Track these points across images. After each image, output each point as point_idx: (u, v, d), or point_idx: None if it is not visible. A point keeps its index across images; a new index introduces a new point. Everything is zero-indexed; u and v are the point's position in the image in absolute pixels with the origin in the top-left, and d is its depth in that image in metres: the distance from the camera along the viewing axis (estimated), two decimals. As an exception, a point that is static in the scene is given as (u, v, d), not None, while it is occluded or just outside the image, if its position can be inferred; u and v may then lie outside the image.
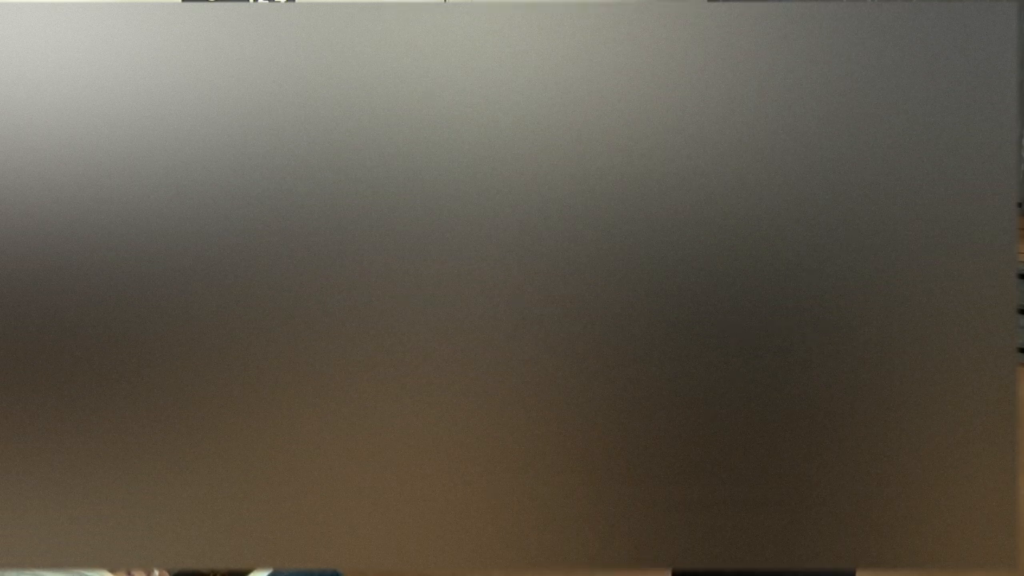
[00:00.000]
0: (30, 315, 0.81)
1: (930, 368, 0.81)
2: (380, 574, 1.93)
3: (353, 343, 0.81)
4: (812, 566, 0.83)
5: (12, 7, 0.80)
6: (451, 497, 0.83)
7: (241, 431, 0.82)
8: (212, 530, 0.83)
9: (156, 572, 1.27)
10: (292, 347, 0.81)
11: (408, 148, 0.80)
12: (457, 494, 0.82)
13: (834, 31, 0.80)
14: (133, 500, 0.82)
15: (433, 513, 0.83)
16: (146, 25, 0.80)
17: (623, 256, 0.80)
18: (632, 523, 0.82)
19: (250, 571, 1.28)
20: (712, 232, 0.80)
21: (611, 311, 0.81)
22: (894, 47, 0.80)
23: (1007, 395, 0.82)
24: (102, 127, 0.80)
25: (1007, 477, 0.82)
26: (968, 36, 0.80)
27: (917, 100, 0.80)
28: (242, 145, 0.80)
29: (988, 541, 0.83)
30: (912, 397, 0.81)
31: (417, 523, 0.83)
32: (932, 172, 0.80)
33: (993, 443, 0.82)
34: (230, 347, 0.81)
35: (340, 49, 0.80)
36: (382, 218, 0.81)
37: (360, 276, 0.81)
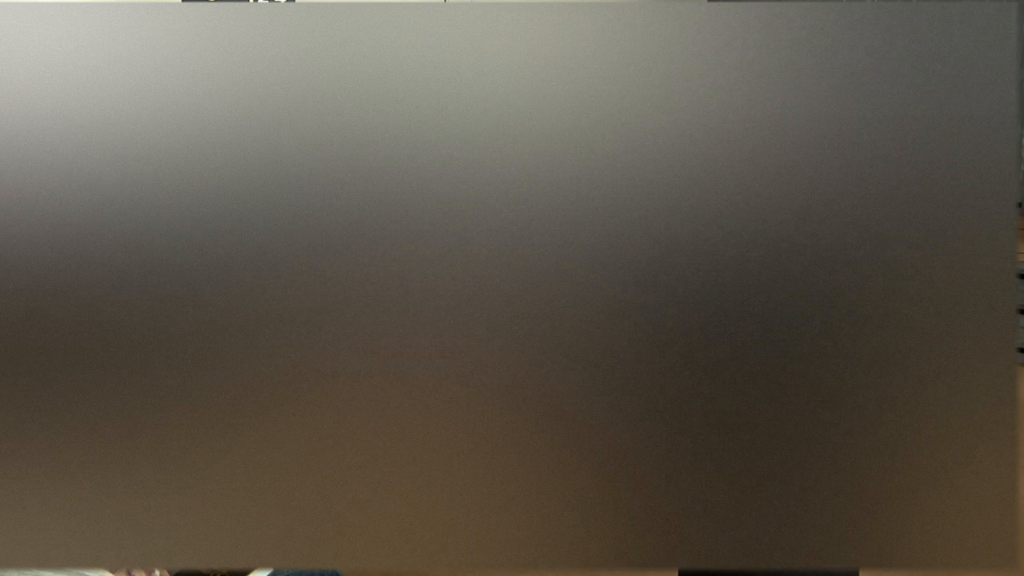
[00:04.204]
0: (31, 315, 0.81)
1: (930, 368, 0.81)
2: (380, 574, 1.93)
3: (353, 344, 0.81)
4: (813, 566, 0.83)
5: (12, 7, 0.80)
6: (451, 497, 0.83)
7: (241, 431, 0.82)
8: (212, 530, 0.83)
9: (156, 572, 1.27)
10: (292, 348, 0.81)
11: (408, 148, 0.80)
12: (457, 494, 0.83)
13: (834, 31, 0.80)
14: (133, 500, 0.82)
15: (432, 513, 0.83)
16: (146, 25, 0.80)
17: (624, 256, 0.80)
18: (636, 523, 0.82)
19: (250, 571, 1.28)
20: (712, 231, 0.80)
21: (613, 312, 0.81)
22: (894, 47, 0.80)
23: (1007, 395, 0.82)
24: (102, 127, 0.80)
25: (1007, 477, 0.82)
26: (968, 36, 0.80)
27: (917, 100, 0.80)
28: (242, 145, 0.80)
29: (988, 541, 0.83)
30: (912, 397, 0.81)
31: (417, 523, 0.83)
32: (932, 172, 0.80)
33: (993, 443, 0.82)
34: (230, 347, 0.81)
35: (340, 49, 0.80)
36: (383, 217, 0.81)
37: (361, 276, 0.81)
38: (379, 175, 0.80)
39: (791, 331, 0.81)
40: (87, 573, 1.19)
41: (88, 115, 0.80)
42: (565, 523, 0.82)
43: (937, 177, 0.80)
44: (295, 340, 0.81)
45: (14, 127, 0.80)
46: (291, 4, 0.85)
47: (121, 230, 0.81)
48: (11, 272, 0.80)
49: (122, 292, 0.81)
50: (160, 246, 0.81)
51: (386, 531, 0.83)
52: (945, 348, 0.81)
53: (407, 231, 0.81)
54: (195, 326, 0.81)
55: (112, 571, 1.13)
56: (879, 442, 0.82)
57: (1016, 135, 0.81)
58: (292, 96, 0.80)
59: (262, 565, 0.83)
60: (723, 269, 0.80)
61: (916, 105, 0.80)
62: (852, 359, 0.81)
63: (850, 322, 0.81)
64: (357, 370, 0.81)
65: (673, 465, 0.82)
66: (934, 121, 0.80)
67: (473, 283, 0.81)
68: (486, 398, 0.81)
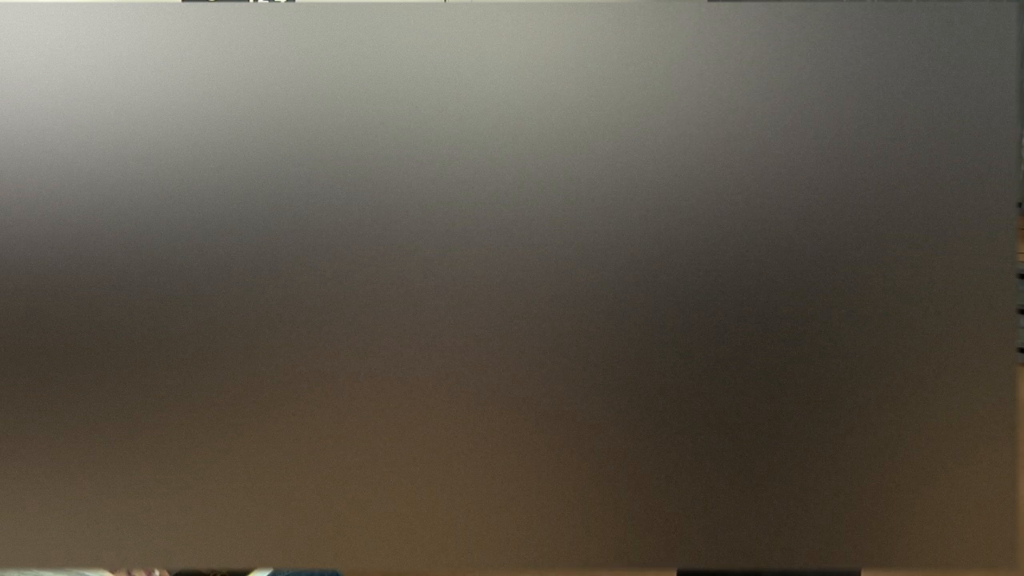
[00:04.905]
0: (32, 315, 0.81)
1: (930, 368, 0.81)
2: (380, 574, 1.93)
3: (353, 344, 0.81)
4: (814, 566, 0.83)
5: (12, 7, 0.80)
6: (451, 497, 0.83)
7: (241, 431, 0.82)
8: (212, 530, 0.83)
9: (156, 572, 1.27)
10: (292, 348, 0.81)
11: (408, 148, 0.80)
12: (457, 494, 0.83)
13: (834, 31, 0.80)
14: (133, 500, 0.82)
15: (432, 513, 0.83)
16: (146, 25, 0.80)
17: (623, 256, 0.80)
18: (635, 523, 0.82)
19: (250, 571, 1.28)
20: (711, 232, 0.80)
21: (612, 312, 0.81)
22: (894, 47, 0.80)
23: (1007, 395, 0.82)
24: (102, 127, 0.80)
25: (1007, 477, 0.82)
26: (968, 36, 0.80)
27: (917, 100, 0.80)
28: (242, 145, 0.80)
29: (988, 541, 0.83)
30: (912, 397, 0.81)
31: (417, 523, 0.83)
32: (932, 172, 0.80)
33: (993, 443, 0.82)
34: (230, 347, 0.81)
35: (340, 49, 0.80)
36: (383, 217, 0.81)
37: (360, 276, 0.81)
38: (379, 175, 0.80)
39: (791, 331, 0.81)
40: (87, 573, 1.19)
41: (88, 115, 0.80)
42: (565, 523, 0.82)
43: (937, 177, 0.80)
44: (295, 340, 0.81)
45: (14, 127, 0.80)
46: (291, 4, 0.85)
47: (121, 230, 0.81)
48: (11, 272, 0.81)
49: (122, 292, 0.81)
50: (160, 246, 0.81)
51: (386, 531, 0.83)
52: (945, 348, 0.81)
53: (407, 231, 0.81)
54: (195, 326, 0.81)
55: (112, 571, 1.13)
56: (879, 442, 0.82)
57: (1016, 135, 0.81)
58: (292, 96, 0.80)
59: (262, 565, 0.83)
60: (723, 269, 0.80)
61: (916, 105, 0.80)
62: (852, 359, 0.81)
63: (850, 322, 0.81)
64: (357, 370, 0.81)
65: (673, 465, 0.82)
66: (934, 121, 0.80)
67: (473, 283, 0.81)
68: (486, 398, 0.81)
